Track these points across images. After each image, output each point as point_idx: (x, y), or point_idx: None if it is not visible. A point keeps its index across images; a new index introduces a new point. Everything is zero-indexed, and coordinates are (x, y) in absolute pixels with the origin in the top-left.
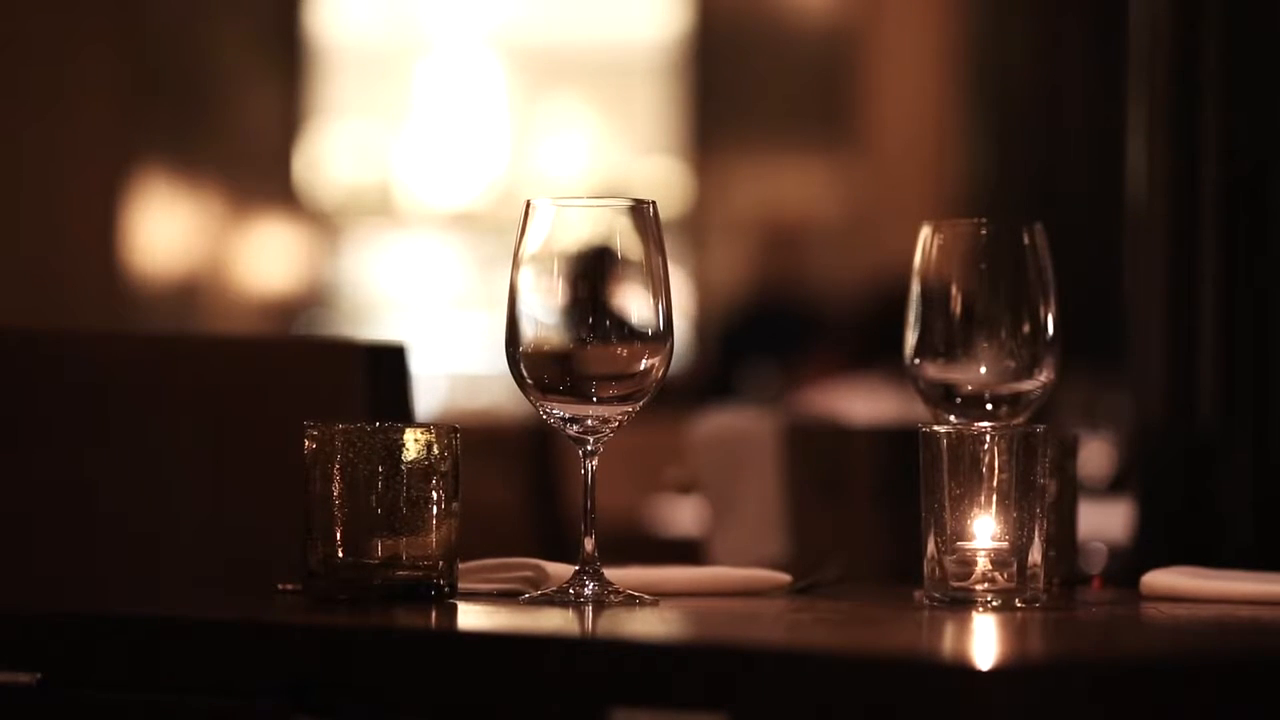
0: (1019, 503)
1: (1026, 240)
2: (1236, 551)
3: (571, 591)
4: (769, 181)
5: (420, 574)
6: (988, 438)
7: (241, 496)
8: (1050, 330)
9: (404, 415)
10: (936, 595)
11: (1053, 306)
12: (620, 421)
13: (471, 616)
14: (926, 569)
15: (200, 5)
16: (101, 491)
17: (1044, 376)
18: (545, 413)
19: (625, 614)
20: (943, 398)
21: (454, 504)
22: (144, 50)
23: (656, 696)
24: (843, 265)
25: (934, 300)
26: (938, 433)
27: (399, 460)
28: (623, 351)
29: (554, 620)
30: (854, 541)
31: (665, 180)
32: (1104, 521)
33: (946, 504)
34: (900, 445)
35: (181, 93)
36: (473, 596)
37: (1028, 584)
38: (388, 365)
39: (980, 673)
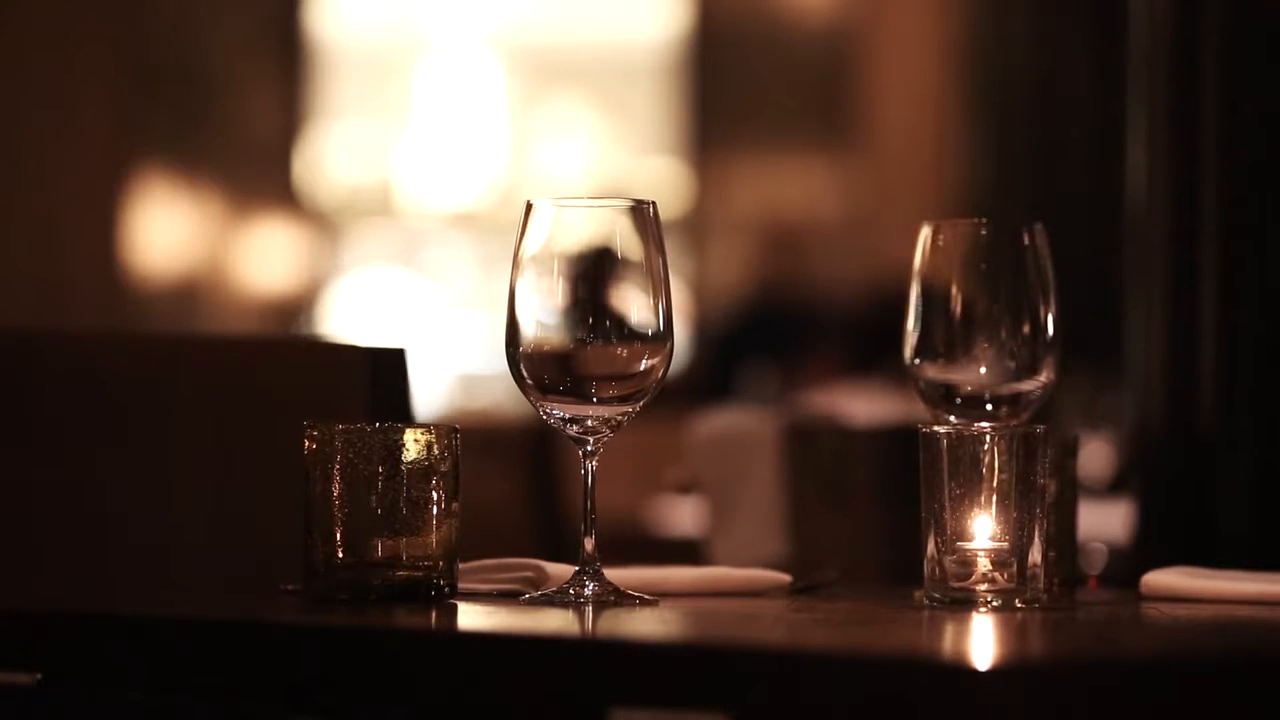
0: (1019, 503)
1: (1026, 240)
2: (1236, 552)
3: (571, 592)
4: (769, 181)
5: (420, 574)
6: (988, 438)
7: (242, 497)
8: (1050, 330)
9: (404, 416)
10: (936, 595)
11: (1053, 306)
12: (620, 422)
13: (471, 617)
14: (926, 569)
15: (200, 5)
16: (102, 491)
17: (1044, 377)
18: (545, 413)
19: (625, 614)
20: (943, 398)
21: (454, 504)
22: (144, 50)
23: (656, 696)
24: (843, 265)
25: (934, 300)
26: (938, 433)
27: (399, 460)
28: (623, 352)
29: (554, 620)
30: (854, 541)
31: (665, 180)
32: (1104, 521)
33: (946, 504)
34: (900, 445)
35: (181, 93)
36: (473, 597)
37: (1028, 584)
38: (388, 366)
39: (980, 673)
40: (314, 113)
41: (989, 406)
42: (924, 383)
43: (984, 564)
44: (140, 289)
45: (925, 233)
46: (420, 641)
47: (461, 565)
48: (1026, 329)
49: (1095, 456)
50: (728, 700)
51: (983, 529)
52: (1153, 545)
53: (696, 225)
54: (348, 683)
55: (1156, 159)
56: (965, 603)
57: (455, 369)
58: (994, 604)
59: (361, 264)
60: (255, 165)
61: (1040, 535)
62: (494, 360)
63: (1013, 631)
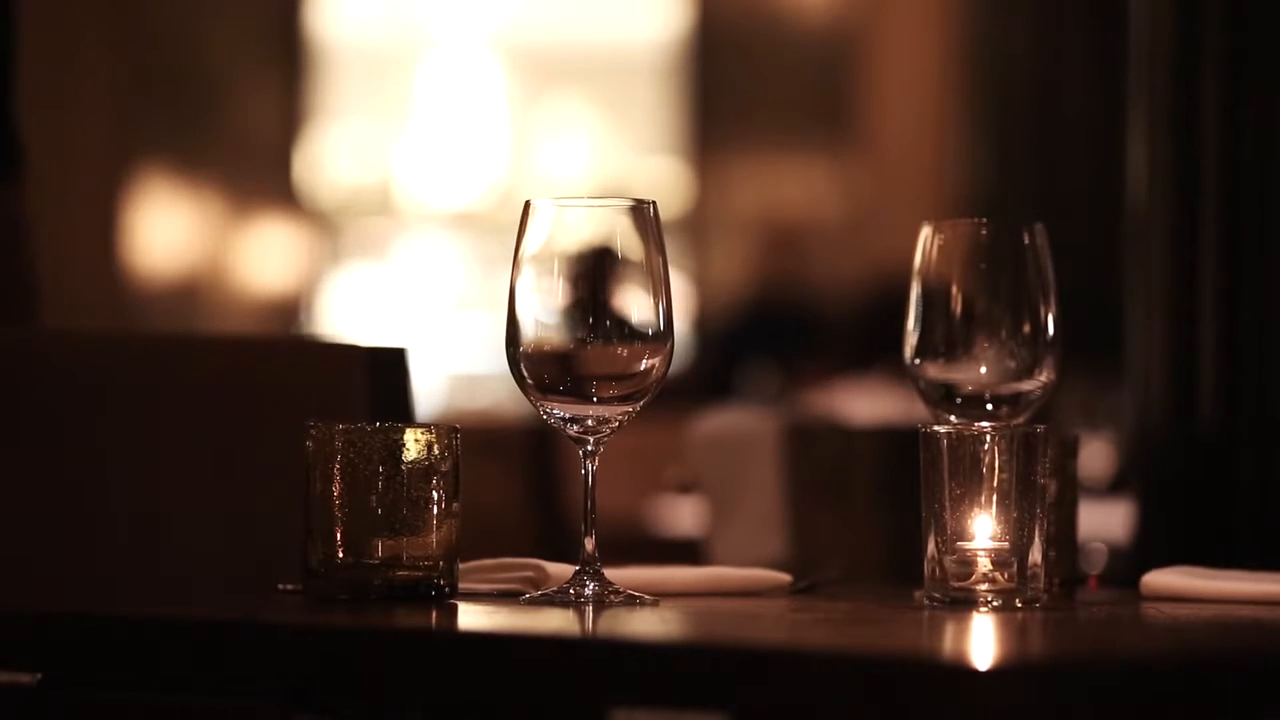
0: (1019, 503)
1: (1026, 240)
2: (1236, 551)
3: (572, 591)
4: (769, 181)
5: (420, 574)
6: (988, 438)
7: (241, 497)
8: (1050, 330)
9: (404, 416)
10: (936, 595)
11: (1053, 306)
12: (620, 421)
13: (471, 616)
14: (927, 569)
15: (200, 5)
16: (101, 491)
17: (1044, 376)
18: (545, 413)
19: (625, 614)
20: (943, 398)
21: (454, 504)
22: (144, 50)
23: (656, 696)
24: (843, 265)
25: (934, 300)
26: (938, 433)
27: (399, 460)
28: (623, 351)
29: (554, 620)
30: (854, 541)
31: (666, 180)
32: (1104, 521)
33: (947, 504)
34: (900, 445)
35: (181, 93)
36: (473, 596)
37: (1028, 584)
38: (388, 366)
39: (980, 673)
40: (314, 113)
41: (989, 406)
42: (924, 382)
43: (984, 564)
44: (140, 289)
45: (925, 233)
46: (420, 641)
47: (461, 565)
48: (1026, 329)
49: (1095, 456)
50: (728, 700)
51: (983, 529)
52: (1153, 545)
53: (696, 225)
54: (348, 683)
55: (1156, 159)
56: (965, 603)
57: (455, 369)
58: (994, 604)
59: (361, 264)
60: (255, 165)
61: (1040, 535)
62: (494, 360)
63: (1013, 631)
